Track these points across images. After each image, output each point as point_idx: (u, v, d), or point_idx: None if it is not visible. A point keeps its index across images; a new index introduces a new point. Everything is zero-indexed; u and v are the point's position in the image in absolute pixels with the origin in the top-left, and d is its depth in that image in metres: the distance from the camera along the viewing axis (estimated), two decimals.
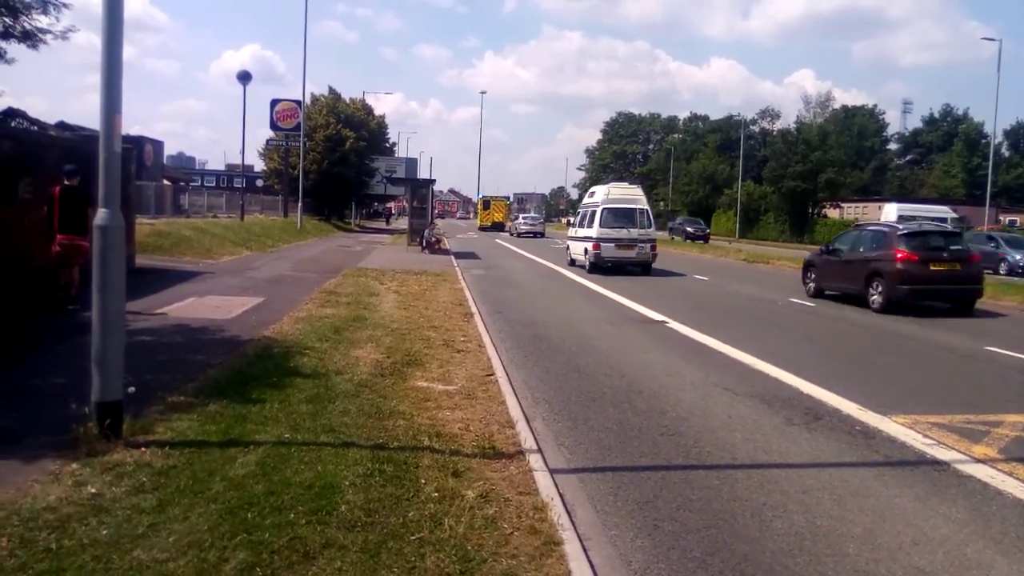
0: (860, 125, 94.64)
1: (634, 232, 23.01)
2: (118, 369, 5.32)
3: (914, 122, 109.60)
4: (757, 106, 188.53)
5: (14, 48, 10.34)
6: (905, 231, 15.91)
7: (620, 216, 23.17)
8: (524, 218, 60.29)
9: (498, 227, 64.08)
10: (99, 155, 5.28)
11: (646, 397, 7.94)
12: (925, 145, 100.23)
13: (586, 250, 23.39)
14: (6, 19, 9.86)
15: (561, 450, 6.14)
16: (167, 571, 3.61)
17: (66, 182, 11.52)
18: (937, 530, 4.75)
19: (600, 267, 23.03)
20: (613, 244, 22.88)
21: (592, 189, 28.74)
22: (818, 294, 17.91)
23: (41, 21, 10.51)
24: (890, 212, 60.12)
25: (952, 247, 15.92)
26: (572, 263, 25.56)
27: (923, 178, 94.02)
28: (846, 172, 67.87)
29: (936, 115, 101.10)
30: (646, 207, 24.06)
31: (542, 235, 54.53)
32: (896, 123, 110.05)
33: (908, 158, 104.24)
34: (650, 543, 4.46)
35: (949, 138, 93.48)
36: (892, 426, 6.99)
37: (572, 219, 33.44)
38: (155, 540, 3.89)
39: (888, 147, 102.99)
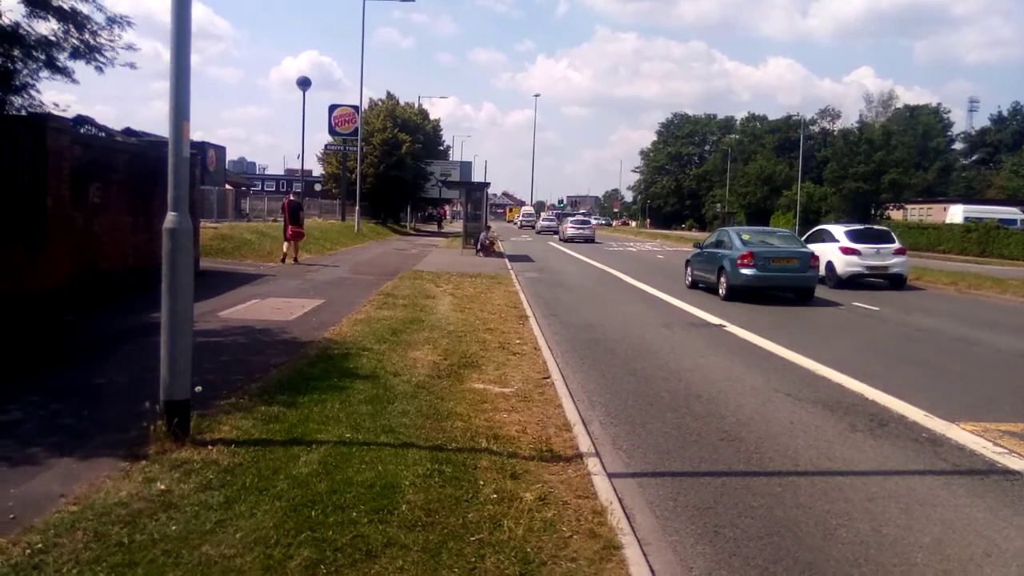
0: (924, 124, 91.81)
1: (546, 223, 67.50)
2: (186, 369, 5.43)
3: (981, 121, 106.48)
4: (816, 105, 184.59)
5: (80, 68, 10.77)
6: None
7: (529, 216, 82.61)
8: (572, 221, 54.50)
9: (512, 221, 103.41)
10: (168, 160, 5.42)
11: (705, 402, 7.85)
12: (993, 144, 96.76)
13: (534, 225, 72.84)
14: (75, 40, 10.23)
15: (619, 454, 6.11)
16: (234, 567, 3.69)
17: (291, 197, 24.24)
18: (1011, 542, 4.60)
19: (535, 231, 67.92)
20: (542, 225, 68.18)
21: (527, 209, 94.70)
22: None
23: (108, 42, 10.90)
24: (955, 213, 58.61)
25: None
26: (538, 232, 65.67)
27: (991, 178, 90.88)
28: (911, 172, 66.21)
29: (1005, 113, 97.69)
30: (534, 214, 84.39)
31: (592, 240, 49.42)
32: (961, 122, 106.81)
33: (975, 158, 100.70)
34: (711, 549, 4.41)
35: (1019, 136, 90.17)
36: (960, 433, 6.79)
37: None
38: (222, 536, 3.99)
39: (953, 147, 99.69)
